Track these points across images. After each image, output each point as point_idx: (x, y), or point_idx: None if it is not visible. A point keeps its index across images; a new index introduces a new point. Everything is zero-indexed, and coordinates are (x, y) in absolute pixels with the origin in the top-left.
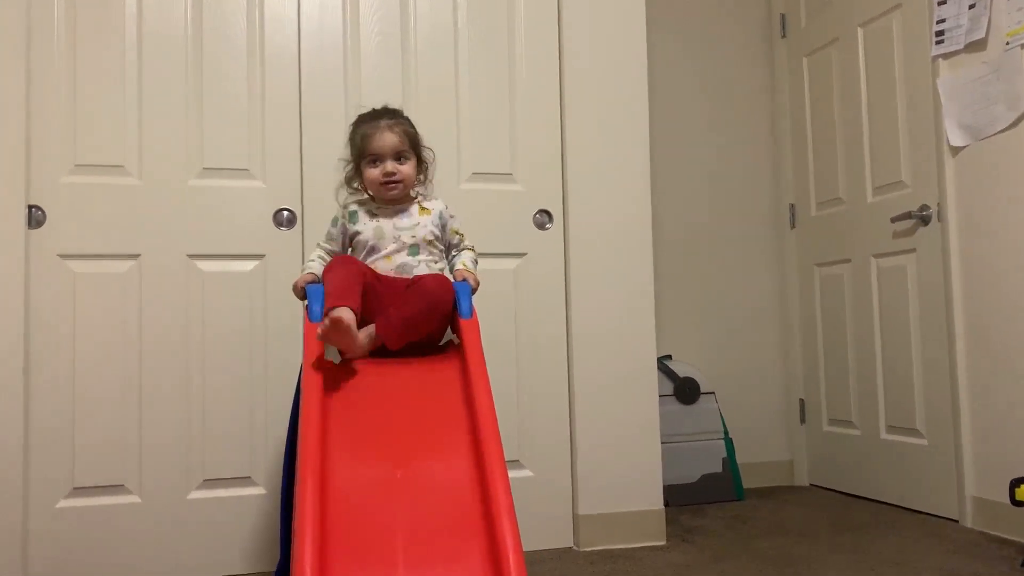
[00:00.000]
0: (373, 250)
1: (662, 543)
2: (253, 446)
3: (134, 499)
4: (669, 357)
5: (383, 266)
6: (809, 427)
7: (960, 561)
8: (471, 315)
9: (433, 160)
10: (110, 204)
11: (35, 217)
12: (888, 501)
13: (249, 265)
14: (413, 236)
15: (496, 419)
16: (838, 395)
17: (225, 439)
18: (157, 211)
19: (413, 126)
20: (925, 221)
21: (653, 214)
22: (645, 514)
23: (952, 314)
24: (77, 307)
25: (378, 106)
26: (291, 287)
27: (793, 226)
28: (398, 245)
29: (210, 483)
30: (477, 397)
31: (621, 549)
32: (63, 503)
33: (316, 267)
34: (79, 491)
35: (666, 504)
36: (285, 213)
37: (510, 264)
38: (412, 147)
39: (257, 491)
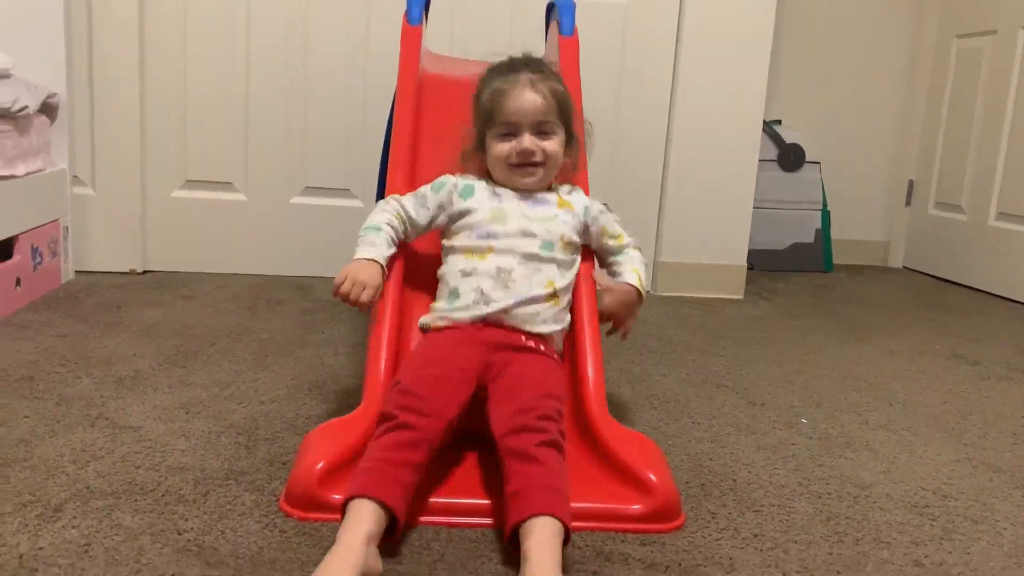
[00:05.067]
0: (488, 235)
1: (739, 297)
2: (351, 160)
3: (240, 197)
4: (779, 122)
5: (501, 262)
6: (914, 209)
7: None
8: (572, 33)
9: (591, 135)
10: None
11: None
12: (984, 288)
13: None
14: (548, 230)
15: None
16: (951, 178)
17: (325, 150)
18: None
19: (564, 85)
20: None
21: None
22: (726, 268)
23: None
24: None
25: (516, 52)
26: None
27: None
28: (526, 234)
29: (311, 191)
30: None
31: (697, 297)
32: (176, 193)
33: (382, 241)
34: (191, 184)
35: (751, 268)
36: None
37: None
38: (561, 116)
39: (355, 203)
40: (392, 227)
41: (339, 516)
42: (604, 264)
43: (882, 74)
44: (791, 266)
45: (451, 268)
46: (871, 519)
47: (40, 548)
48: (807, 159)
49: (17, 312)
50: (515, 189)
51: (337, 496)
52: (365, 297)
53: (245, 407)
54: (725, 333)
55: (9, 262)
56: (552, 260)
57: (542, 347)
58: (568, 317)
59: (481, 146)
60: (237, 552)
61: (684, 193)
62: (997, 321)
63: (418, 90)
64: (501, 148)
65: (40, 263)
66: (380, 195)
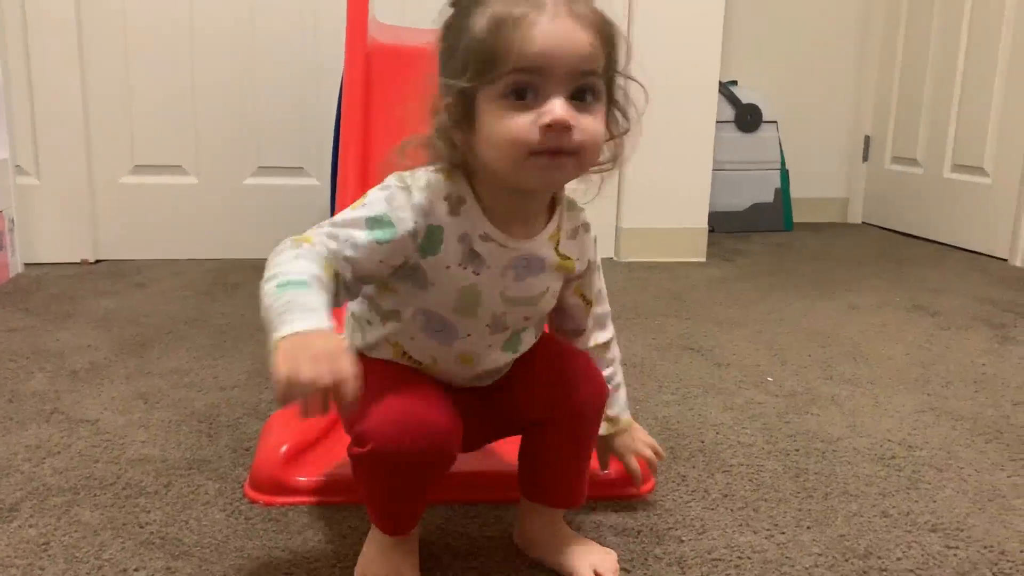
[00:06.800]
0: (446, 328)
1: (702, 260)
2: (304, 139)
3: (192, 180)
4: (735, 83)
5: (464, 348)
6: (871, 165)
7: (999, 291)
8: None
9: (640, 113)
10: None
11: None
12: (942, 240)
13: None
14: (527, 314)
15: None
16: (906, 132)
17: (277, 128)
18: None
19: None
20: None
21: None
22: (688, 232)
23: None
24: None
25: None
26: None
27: None
28: (497, 327)
29: (264, 170)
30: None
31: (660, 262)
32: (125, 179)
33: (317, 299)
34: (140, 168)
35: (712, 230)
36: None
37: None
38: (608, 72)
39: (310, 182)
40: (319, 279)
41: (304, 499)
42: (558, 324)
43: (835, 31)
44: (752, 226)
45: (391, 335)
46: (839, 473)
47: None
48: (764, 119)
49: None
50: (508, 226)
51: (302, 478)
52: (351, 389)
53: (205, 394)
54: (689, 296)
55: None
56: (527, 330)
57: None
58: None
59: (465, 119)
60: (202, 542)
61: (643, 158)
62: (955, 272)
63: (367, 62)
64: (514, 123)
65: None
66: (334, 172)
